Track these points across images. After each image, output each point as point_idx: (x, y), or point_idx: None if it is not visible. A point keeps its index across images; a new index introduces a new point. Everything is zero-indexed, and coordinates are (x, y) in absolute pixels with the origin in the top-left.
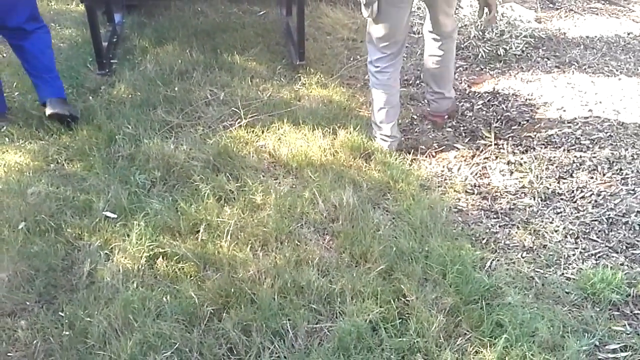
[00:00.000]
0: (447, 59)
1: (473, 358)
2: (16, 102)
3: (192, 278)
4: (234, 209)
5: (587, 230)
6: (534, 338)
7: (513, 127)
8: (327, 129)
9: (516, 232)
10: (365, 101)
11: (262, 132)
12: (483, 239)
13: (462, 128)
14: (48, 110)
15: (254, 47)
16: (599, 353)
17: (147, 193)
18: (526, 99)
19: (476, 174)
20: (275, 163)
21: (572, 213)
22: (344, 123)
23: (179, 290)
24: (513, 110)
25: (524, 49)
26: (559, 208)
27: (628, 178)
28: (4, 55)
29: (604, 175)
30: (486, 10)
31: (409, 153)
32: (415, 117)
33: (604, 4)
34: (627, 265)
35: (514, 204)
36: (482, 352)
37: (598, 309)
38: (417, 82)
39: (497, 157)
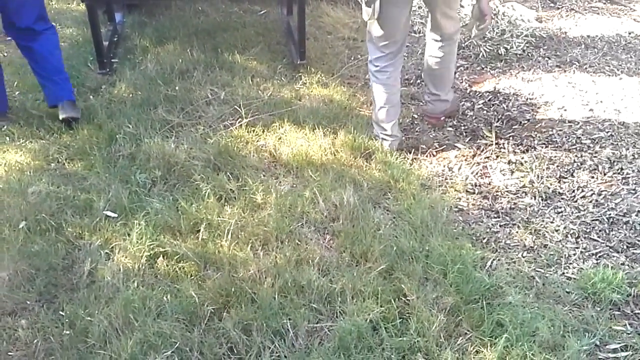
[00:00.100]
0: (446, 61)
1: (473, 358)
2: (17, 101)
3: (192, 277)
4: (235, 208)
5: (588, 230)
6: (535, 338)
7: (514, 127)
8: (328, 128)
9: (517, 232)
10: (366, 100)
11: (263, 131)
12: (484, 238)
13: (462, 127)
14: (61, 115)
15: (255, 46)
16: (600, 353)
17: (148, 192)
18: (527, 99)
19: (477, 174)
20: (276, 162)
21: (572, 212)
22: (344, 122)
23: (180, 289)
24: (514, 110)
25: (524, 48)
26: (560, 207)
27: (629, 177)
28: (5, 54)
29: (604, 174)
30: (477, 23)
31: (410, 152)
32: (416, 116)
33: (605, 3)
34: (628, 265)
35: (515, 204)
36: (482, 351)
37: (599, 309)
38: (418, 81)
39: (497, 157)
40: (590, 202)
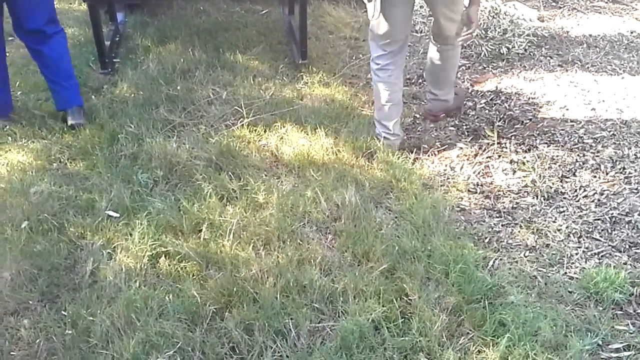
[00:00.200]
0: (447, 63)
1: (475, 357)
2: (19, 101)
3: (194, 277)
4: (237, 208)
5: (590, 230)
6: (537, 337)
7: (516, 126)
8: (330, 128)
9: (519, 231)
10: (368, 100)
11: (265, 131)
12: (486, 238)
13: (464, 127)
14: (70, 121)
15: (257, 46)
16: (602, 352)
17: (150, 192)
18: (529, 98)
19: (479, 173)
20: (278, 162)
21: (575, 212)
22: (346, 122)
23: (182, 289)
24: (516, 109)
25: (526, 47)
26: (562, 207)
27: (631, 177)
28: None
29: (607, 174)
30: (465, 28)
31: (412, 152)
32: (417, 116)
33: (607, 2)
34: (630, 265)
35: (517, 203)
36: (484, 351)
37: (601, 308)
38: (420, 80)
39: (499, 156)
40: (593, 201)
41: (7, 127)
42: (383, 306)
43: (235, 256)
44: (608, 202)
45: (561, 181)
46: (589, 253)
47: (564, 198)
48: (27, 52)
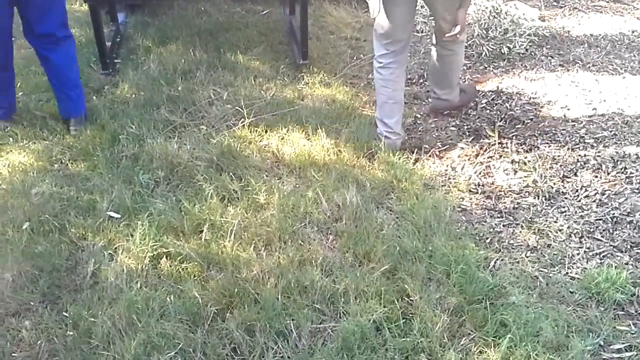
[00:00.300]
0: (448, 63)
1: (477, 358)
2: (20, 102)
3: (195, 278)
4: (238, 208)
5: (592, 230)
6: (538, 338)
7: (517, 126)
8: (331, 128)
9: (520, 232)
10: (369, 100)
11: (266, 131)
12: (487, 238)
13: (465, 127)
14: (72, 128)
15: (257, 46)
16: (604, 353)
17: (151, 193)
18: (530, 98)
19: (480, 173)
20: (279, 162)
21: (576, 212)
22: (347, 122)
23: (183, 290)
24: (517, 109)
25: (527, 47)
26: (563, 207)
27: (632, 177)
28: None
29: (608, 174)
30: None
31: (413, 152)
32: (418, 116)
33: (608, 1)
34: (632, 265)
35: (518, 203)
36: (486, 352)
37: (602, 309)
38: (421, 81)
39: (501, 156)
40: (594, 201)
41: (9, 128)
42: (384, 307)
43: (236, 257)
44: (609, 202)
45: (562, 181)
46: (590, 253)
47: (566, 198)
48: (28, 53)
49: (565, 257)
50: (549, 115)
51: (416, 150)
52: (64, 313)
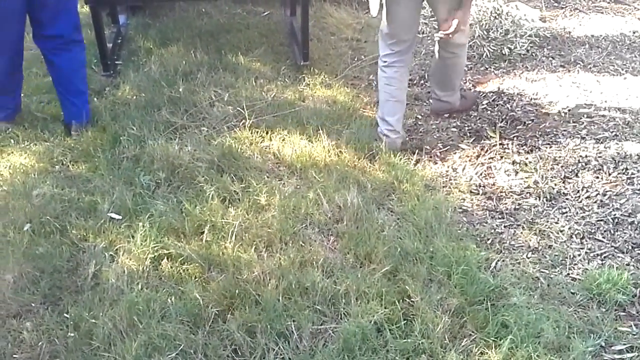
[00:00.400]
0: (449, 66)
1: (478, 359)
2: (21, 104)
3: (196, 279)
4: (239, 210)
5: (593, 231)
6: (540, 339)
7: (518, 127)
8: (332, 129)
9: (521, 233)
10: (370, 101)
11: (267, 132)
12: (488, 239)
13: (466, 128)
14: (73, 132)
15: (258, 47)
16: (605, 354)
17: (152, 194)
18: (531, 99)
19: (481, 174)
20: (280, 164)
21: (577, 213)
22: (348, 123)
23: (184, 291)
24: (518, 110)
25: (528, 48)
26: (565, 208)
27: (634, 177)
28: None
29: (609, 174)
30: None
31: (414, 153)
32: (419, 117)
33: (609, 2)
34: (633, 266)
35: (519, 204)
36: (487, 353)
37: (604, 310)
38: (422, 82)
39: (502, 157)
40: (595, 202)
41: (10, 129)
42: (385, 308)
43: (237, 258)
44: (611, 203)
45: (563, 182)
46: (591, 254)
47: (567, 199)
48: (28, 55)
49: (567, 258)
50: (550, 116)
51: (417, 151)
52: (65, 314)
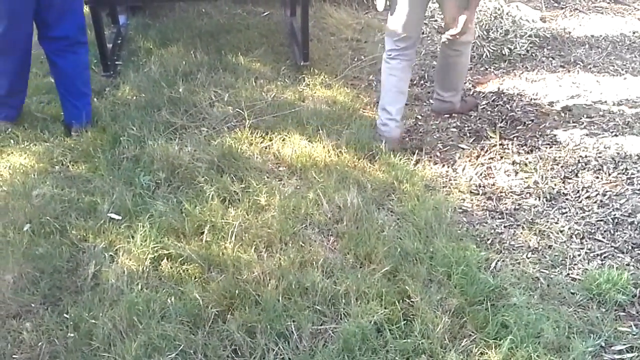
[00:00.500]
0: (453, 64)
1: (478, 359)
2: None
3: (196, 279)
4: (239, 210)
5: (593, 231)
6: (540, 339)
7: (518, 127)
8: (331, 129)
9: (521, 233)
10: (370, 101)
11: (267, 133)
12: (488, 239)
13: (466, 128)
14: (73, 132)
15: (258, 48)
16: (605, 354)
17: (152, 194)
18: (531, 99)
19: (481, 175)
20: (280, 164)
21: (577, 213)
22: (348, 124)
23: (184, 291)
24: (518, 110)
25: (528, 48)
26: (564, 208)
27: (634, 178)
28: None
29: (609, 175)
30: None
31: (414, 153)
32: (419, 117)
33: (609, 2)
34: (633, 266)
35: (519, 204)
36: (487, 353)
37: (604, 310)
38: (422, 82)
39: (502, 157)
40: (595, 202)
41: (10, 129)
42: (385, 308)
43: (237, 258)
44: (610, 203)
45: (563, 182)
46: (591, 254)
47: (567, 199)
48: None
49: (567, 258)
50: (550, 116)
51: (417, 151)
52: (65, 315)
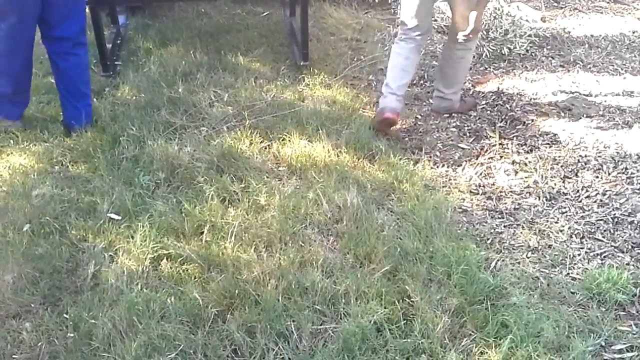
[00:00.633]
0: (456, 62)
1: (478, 359)
2: None
3: (196, 279)
4: (238, 210)
5: (593, 230)
6: (540, 338)
7: (518, 127)
8: (331, 129)
9: (521, 232)
10: (370, 101)
11: (266, 133)
12: (488, 239)
13: (466, 128)
14: (73, 134)
15: (258, 48)
16: (605, 353)
17: (152, 194)
18: (531, 99)
19: (481, 174)
20: (279, 164)
21: (577, 213)
22: (347, 123)
23: (183, 291)
24: (517, 110)
25: (528, 48)
26: (564, 208)
27: (633, 177)
28: None
29: (609, 174)
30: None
31: (413, 153)
32: (419, 117)
33: (608, 2)
34: (633, 265)
35: (519, 204)
36: (487, 352)
37: (604, 309)
38: (422, 82)
39: (501, 157)
40: (595, 202)
41: (10, 128)
42: (385, 308)
43: (237, 258)
44: (610, 203)
45: (563, 182)
46: (591, 254)
47: (566, 199)
48: None
49: (566, 257)
50: (549, 116)
51: (417, 151)
52: (65, 315)
